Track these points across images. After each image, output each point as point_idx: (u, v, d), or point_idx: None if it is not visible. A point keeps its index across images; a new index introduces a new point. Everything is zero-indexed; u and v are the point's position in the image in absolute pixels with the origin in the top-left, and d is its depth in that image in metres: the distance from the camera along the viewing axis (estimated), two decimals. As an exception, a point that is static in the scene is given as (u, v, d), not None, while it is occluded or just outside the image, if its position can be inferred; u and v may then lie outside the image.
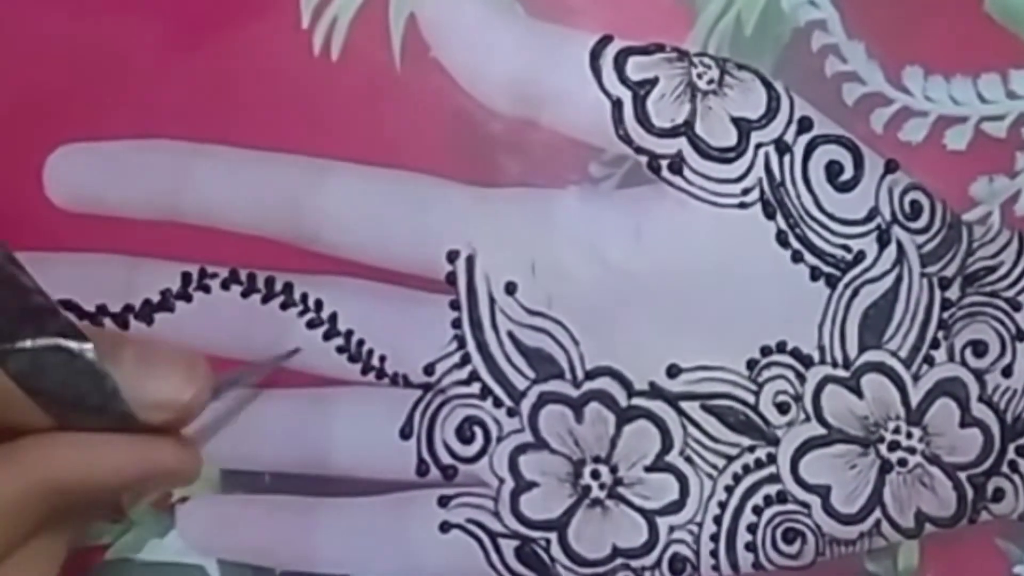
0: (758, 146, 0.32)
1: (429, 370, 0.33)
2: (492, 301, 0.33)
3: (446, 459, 0.33)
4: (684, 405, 0.32)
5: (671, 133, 0.32)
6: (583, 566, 0.32)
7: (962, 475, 0.32)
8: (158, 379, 0.25)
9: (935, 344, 0.32)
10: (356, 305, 0.33)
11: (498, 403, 0.33)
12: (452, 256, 0.33)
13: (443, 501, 0.32)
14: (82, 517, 0.26)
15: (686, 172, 0.32)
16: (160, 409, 0.25)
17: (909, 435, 0.32)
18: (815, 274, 0.32)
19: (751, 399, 0.32)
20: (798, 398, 0.32)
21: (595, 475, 0.32)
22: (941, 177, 0.34)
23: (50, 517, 0.24)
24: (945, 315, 0.33)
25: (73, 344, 0.24)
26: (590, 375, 0.32)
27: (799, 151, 0.32)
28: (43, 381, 0.24)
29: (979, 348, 0.33)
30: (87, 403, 0.25)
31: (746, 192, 0.32)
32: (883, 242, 0.32)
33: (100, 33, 0.34)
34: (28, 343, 0.24)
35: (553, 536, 0.32)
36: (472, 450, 0.33)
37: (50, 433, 0.24)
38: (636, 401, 0.32)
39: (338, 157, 0.33)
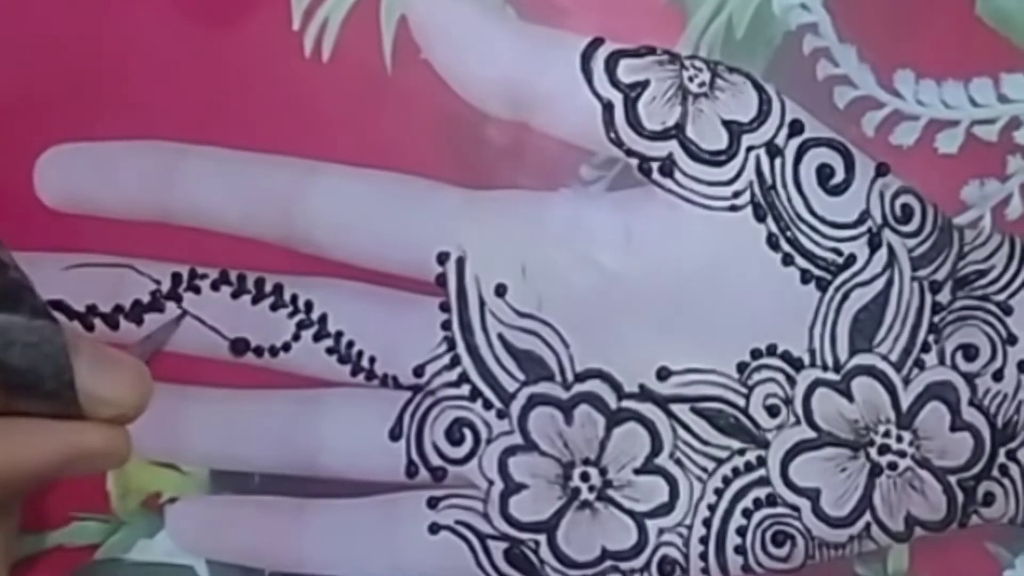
0: (749, 149, 0.32)
1: (419, 372, 0.33)
2: (482, 303, 0.33)
3: (435, 461, 0.33)
4: (674, 408, 0.32)
5: (662, 136, 0.32)
6: (572, 568, 0.32)
7: (952, 479, 0.32)
8: (111, 376, 0.26)
9: (926, 348, 0.32)
10: (346, 306, 0.33)
11: (488, 405, 0.33)
12: (442, 258, 0.33)
13: (432, 503, 0.32)
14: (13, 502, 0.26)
15: (677, 175, 0.32)
16: (108, 405, 0.25)
17: (899, 439, 0.32)
18: (806, 277, 0.32)
19: (741, 402, 0.32)
20: (788, 401, 0.32)
21: (584, 477, 0.32)
22: (932, 181, 0.34)
23: None
24: (936, 319, 0.32)
25: (47, 326, 0.25)
26: (580, 377, 0.32)
27: (790, 154, 0.32)
28: (8, 357, 0.24)
29: (970, 352, 0.33)
30: (43, 388, 0.25)
31: (737, 195, 0.32)
32: (874, 245, 0.32)
33: (91, 34, 0.34)
34: (2, 316, 0.24)
35: (542, 538, 0.32)
36: (461, 452, 0.33)
37: None
38: (626, 403, 0.32)
39: (329, 158, 0.33)
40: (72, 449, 0.25)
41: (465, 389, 0.33)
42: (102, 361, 0.26)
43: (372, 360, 0.33)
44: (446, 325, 0.33)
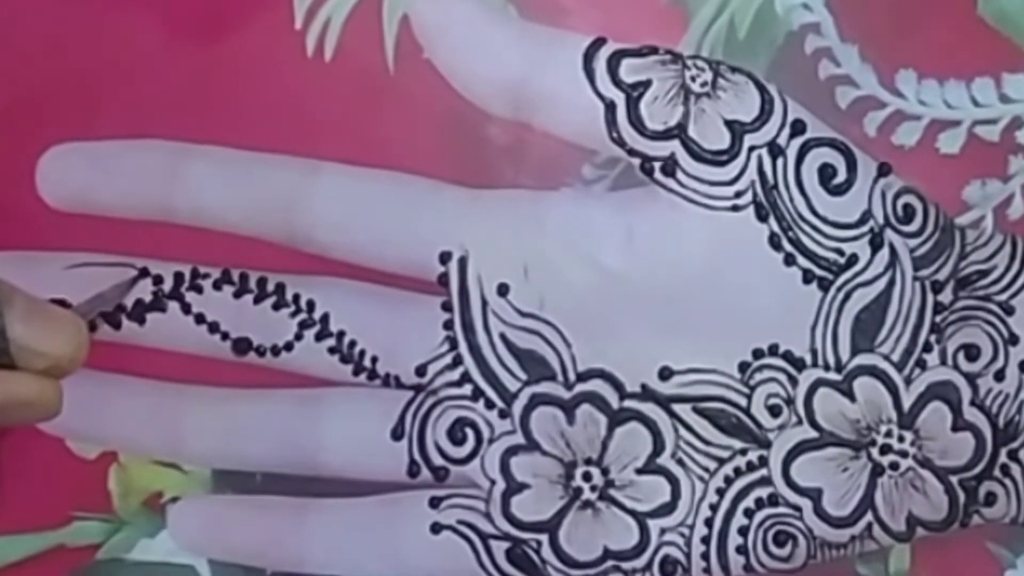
0: (751, 149, 0.32)
1: (421, 371, 0.33)
2: (484, 303, 0.33)
3: (437, 460, 0.33)
4: (676, 407, 0.32)
5: (664, 135, 0.32)
6: (574, 568, 0.32)
7: (954, 479, 0.32)
8: (44, 327, 0.26)
9: (927, 348, 0.32)
10: (348, 306, 0.33)
11: (490, 405, 0.33)
12: (444, 257, 0.33)
13: (434, 502, 0.32)
14: None
15: (679, 174, 0.32)
16: (40, 356, 0.26)
17: (901, 439, 0.32)
18: (807, 277, 0.32)
19: (743, 402, 0.32)
20: (790, 401, 0.32)
21: (586, 477, 0.32)
22: (934, 181, 0.34)
23: None
24: (938, 319, 0.32)
25: None
26: (582, 377, 0.32)
27: (792, 154, 0.32)
28: None
29: (972, 352, 0.33)
30: None
31: (739, 195, 0.32)
32: (876, 245, 0.32)
33: (93, 33, 0.34)
34: None
35: (544, 538, 0.32)
36: (463, 451, 0.33)
37: None
38: (628, 403, 0.32)
39: (331, 158, 0.33)
40: (2, 396, 0.25)
41: (467, 389, 0.33)
42: (36, 312, 0.26)
43: (374, 360, 0.33)
44: (448, 325, 0.33)
